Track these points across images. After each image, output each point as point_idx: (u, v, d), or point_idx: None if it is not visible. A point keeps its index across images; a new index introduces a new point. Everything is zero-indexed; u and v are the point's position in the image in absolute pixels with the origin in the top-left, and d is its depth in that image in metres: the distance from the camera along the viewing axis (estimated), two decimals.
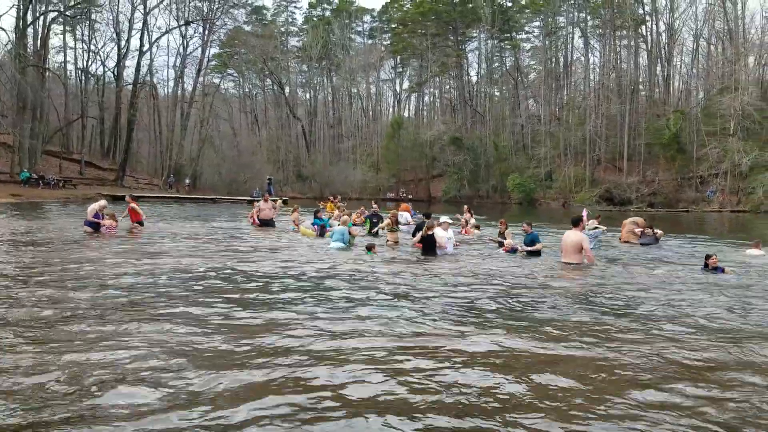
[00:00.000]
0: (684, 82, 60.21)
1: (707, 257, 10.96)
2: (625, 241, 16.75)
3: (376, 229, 16.60)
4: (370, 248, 12.51)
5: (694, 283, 9.26)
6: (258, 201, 24.35)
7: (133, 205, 16.86)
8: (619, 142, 52.42)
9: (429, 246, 12.36)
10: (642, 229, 16.64)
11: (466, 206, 21.92)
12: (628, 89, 54.83)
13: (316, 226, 16.70)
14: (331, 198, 24.77)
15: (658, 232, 16.27)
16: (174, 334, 5.19)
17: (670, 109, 52.63)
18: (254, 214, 19.23)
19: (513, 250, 12.91)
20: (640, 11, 58.09)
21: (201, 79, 59.10)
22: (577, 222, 11.38)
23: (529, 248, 12.52)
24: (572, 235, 11.05)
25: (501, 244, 13.60)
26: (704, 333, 5.81)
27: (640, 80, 58.75)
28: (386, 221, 15.31)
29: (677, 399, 3.90)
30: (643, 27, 58.09)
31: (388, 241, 14.40)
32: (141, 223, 16.67)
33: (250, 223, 19.22)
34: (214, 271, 9.11)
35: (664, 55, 57.87)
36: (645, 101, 57.45)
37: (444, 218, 13.62)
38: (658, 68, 58.37)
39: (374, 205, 19.60)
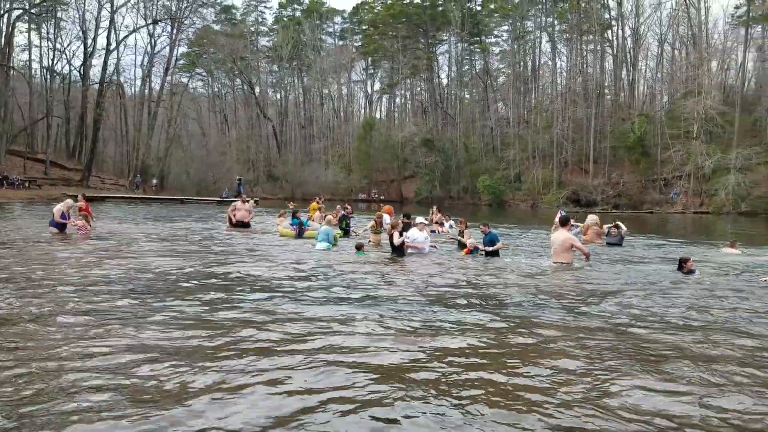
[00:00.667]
0: (649, 86, 61.59)
1: (683, 260, 10.61)
2: (590, 242, 16.91)
3: (362, 231, 16.79)
4: (359, 248, 12.71)
5: (674, 284, 9.36)
6: (233, 201, 24.31)
7: (81, 204, 16.63)
8: (585, 145, 53.41)
9: (392, 246, 12.56)
10: (609, 226, 16.91)
11: (435, 207, 22.28)
12: (594, 93, 55.87)
13: (294, 226, 16.76)
14: (317, 199, 24.77)
15: (623, 229, 16.41)
16: (143, 351, 4.89)
17: (635, 113, 53.73)
18: (229, 215, 19.19)
19: (475, 249, 13.02)
20: (606, 16, 59.26)
21: (169, 78, 58.49)
22: (565, 222, 11.76)
23: (490, 248, 12.56)
24: (561, 235, 11.35)
25: (463, 246, 13.71)
26: (675, 334, 6.04)
27: (606, 84, 59.88)
28: (371, 223, 15.58)
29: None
30: (609, 32, 59.29)
31: (370, 241, 14.64)
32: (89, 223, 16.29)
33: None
34: (193, 275, 9.07)
35: (629, 60, 59.11)
36: (610, 105, 58.62)
37: (420, 219, 13.85)
38: (624, 72, 59.61)
39: (348, 207, 19.72)
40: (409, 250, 12.70)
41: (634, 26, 57.82)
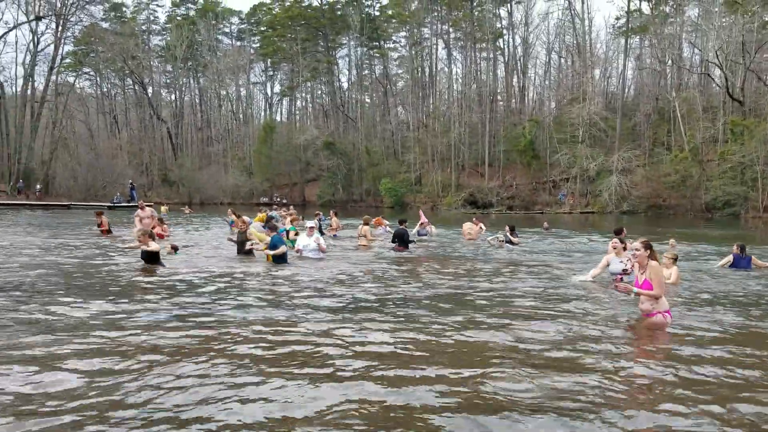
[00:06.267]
0: (538, 92, 65.09)
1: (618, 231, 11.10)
2: (471, 239, 18.57)
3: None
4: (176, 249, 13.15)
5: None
6: (127, 206, 23.00)
7: None
8: (480, 149, 55.51)
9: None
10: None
11: (332, 211, 22.62)
12: (487, 99, 58.23)
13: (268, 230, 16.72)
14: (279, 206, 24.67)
15: (515, 239, 17.52)
16: None
17: (525, 118, 56.55)
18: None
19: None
20: (498, 25, 62.03)
21: (54, 77, 55.14)
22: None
23: (272, 252, 11.72)
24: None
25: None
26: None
27: (499, 90, 62.65)
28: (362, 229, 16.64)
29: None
30: (501, 40, 62.10)
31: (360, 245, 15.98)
32: None
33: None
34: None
35: (519, 67, 62.19)
36: (503, 110, 61.37)
37: (310, 223, 13.98)
38: (515, 79, 62.65)
39: (319, 213, 20.11)
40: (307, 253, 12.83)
41: (524, 35, 60.95)
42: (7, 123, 53.17)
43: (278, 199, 56.47)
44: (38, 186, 50.88)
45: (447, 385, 4.36)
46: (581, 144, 48.17)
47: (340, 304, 7.65)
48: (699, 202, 41.63)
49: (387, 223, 21.15)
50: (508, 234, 17.42)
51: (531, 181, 52.23)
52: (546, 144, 51.95)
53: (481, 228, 19.82)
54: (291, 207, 26.35)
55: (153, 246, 10.58)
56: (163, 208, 36.11)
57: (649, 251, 6.50)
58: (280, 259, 11.75)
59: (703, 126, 44.47)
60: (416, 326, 6.29)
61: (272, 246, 11.80)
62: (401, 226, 16.01)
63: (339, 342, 5.58)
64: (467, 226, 19.40)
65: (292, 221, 17.49)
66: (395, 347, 5.44)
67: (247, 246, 12.60)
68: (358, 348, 5.39)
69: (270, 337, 5.78)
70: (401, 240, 15.26)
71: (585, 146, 47.86)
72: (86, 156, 60.01)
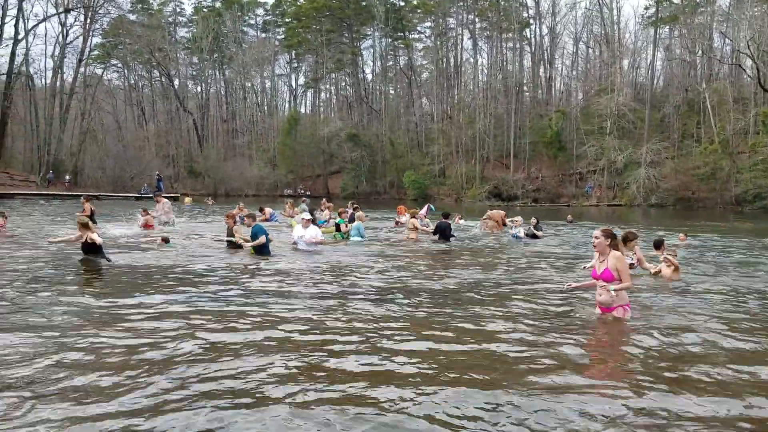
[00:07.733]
0: (565, 83, 64.13)
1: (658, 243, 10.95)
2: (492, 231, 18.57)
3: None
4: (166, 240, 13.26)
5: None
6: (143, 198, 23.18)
7: None
8: (506, 141, 54.95)
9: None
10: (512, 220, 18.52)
11: (351, 202, 22.66)
12: (513, 90, 57.56)
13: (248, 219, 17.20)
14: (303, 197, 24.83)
15: (539, 233, 17.27)
16: None
17: (552, 109, 55.77)
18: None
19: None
20: (525, 15, 61.20)
21: (82, 69, 55.91)
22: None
23: (251, 243, 11.77)
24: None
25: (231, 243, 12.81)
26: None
27: (525, 81, 61.83)
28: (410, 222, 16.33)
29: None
30: (528, 30, 61.29)
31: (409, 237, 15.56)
32: None
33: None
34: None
35: (546, 58, 61.35)
36: (529, 101, 60.62)
37: (306, 215, 14.09)
38: (541, 70, 61.80)
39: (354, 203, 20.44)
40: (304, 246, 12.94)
41: (551, 25, 60.10)
42: (37, 115, 54.11)
43: (302, 191, 56.71)
44: (67, 177, 51.74)
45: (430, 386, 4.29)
46: (609, 136, 47.42)
47: (324, 294, 7.90)
48: (729, 195, 40.77)
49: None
50: (532, 228, 17.16)
51: (557, 173, 51.62)
52: (573, 135, 51.28)
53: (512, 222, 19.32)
54: (324, 200, 26.10)
55: (96, 237, 10.04)
56: (187, 199, 36.51)
57: (610, 240, 6.30)
58: (262, 251, 11.66)
59: (734, 117, 43.47)
60: (379, 321, 6.23)
61: (252, 236, 11.85)
62: (445, 220, 15.79)
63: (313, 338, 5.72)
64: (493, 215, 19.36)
65: (339, 214, 17.43)
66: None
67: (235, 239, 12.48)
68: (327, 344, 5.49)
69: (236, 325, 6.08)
70: (443, 234, 15.15)
71: (613, 138, 47.10)
72: (114, 147, 60.80)
